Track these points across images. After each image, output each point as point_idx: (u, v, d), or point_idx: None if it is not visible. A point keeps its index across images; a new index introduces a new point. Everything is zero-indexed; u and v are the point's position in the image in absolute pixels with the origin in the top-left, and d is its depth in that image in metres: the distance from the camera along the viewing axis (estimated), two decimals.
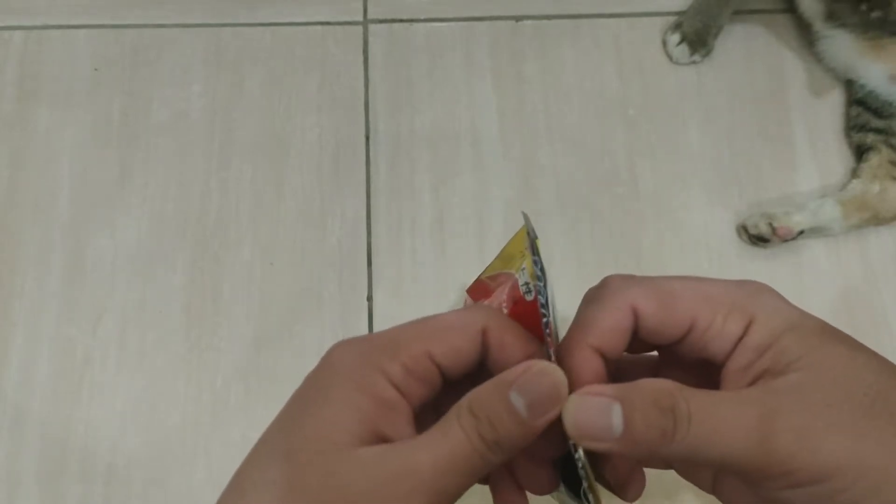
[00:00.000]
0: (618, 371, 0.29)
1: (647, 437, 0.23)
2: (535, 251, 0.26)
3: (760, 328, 0.26)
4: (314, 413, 0.26)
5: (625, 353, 0.29)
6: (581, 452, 0.26)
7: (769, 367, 0.25)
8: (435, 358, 0.25)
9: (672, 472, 0.35)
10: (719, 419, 0.24)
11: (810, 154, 0.75)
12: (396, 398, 0.25)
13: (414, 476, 0.23)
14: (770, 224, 0.69)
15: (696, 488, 0.33)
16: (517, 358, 0.26)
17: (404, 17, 0.79)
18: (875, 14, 0.70)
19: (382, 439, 0.24)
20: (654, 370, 0.31)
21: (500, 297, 0.31)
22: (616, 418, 0.23)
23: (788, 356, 0.25)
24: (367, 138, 0.74)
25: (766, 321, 0.26)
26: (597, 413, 0.24)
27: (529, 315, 0.27)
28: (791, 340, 0.25)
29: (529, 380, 0.24)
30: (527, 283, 0.29)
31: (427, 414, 0.27)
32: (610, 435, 0.23)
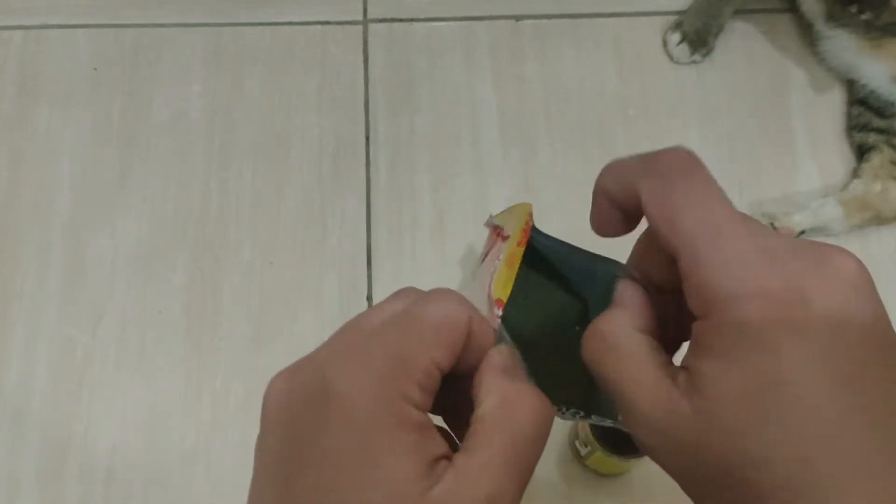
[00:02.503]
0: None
1: None
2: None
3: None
4: (368, 475, 0.22)
5: None
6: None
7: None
8: (440, 365, 0.23)
9: None
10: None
11: (811, 154, 0.75)
12: (425, 419, 0.23)
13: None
14: (771, 224, 0.69)
15: None
16: (488, 344, 0.25)
17: (404, 17, 0.79)
18: (865, 16, 0.70)
19: (434, 461, 0.23)
20: None
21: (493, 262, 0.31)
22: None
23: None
24: (367, 138, 0.74)
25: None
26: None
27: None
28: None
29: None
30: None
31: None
32: None
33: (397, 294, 0.26)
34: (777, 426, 0.20)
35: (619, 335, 0.24)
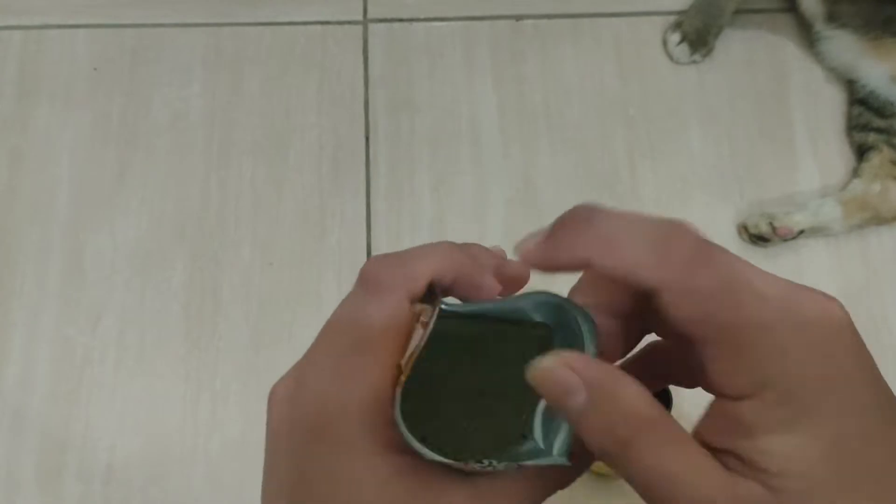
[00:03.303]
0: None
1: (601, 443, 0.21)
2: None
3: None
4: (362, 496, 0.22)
5: None
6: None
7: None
8: None
9: None
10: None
11: (811, 153, 0.75)
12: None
13: None
14: (770, 223, 0.69)
15: None
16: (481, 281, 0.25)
17: (404, 17, 0.79)
18: (889, 10, 0.70)
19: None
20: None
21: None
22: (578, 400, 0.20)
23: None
24: (367, 138, 0.74)
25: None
26: (560, 390, 0.21)
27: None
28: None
29: None
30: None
31: None
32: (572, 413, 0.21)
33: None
34: (858, 478, 0.20)
35: (648, 411, 0.21)
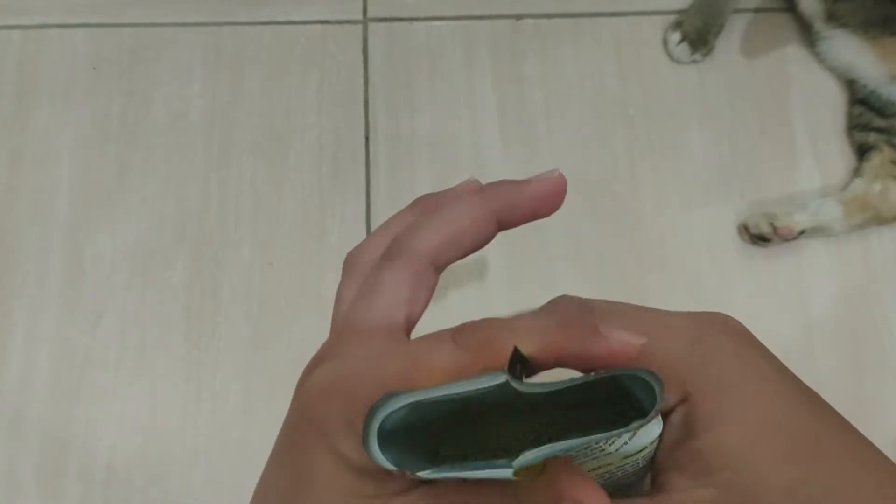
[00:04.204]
0: None
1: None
2: None
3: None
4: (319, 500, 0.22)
5: None
6: None
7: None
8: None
9: None
10: None
11: (811, 153, 0.75)
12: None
13: None
14: (771, 224, 0.69)
15: None
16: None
17: (404, 16, 0.79)
18: (888, 10, 0.70)
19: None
20: None
21: None
22: None
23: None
24: (367, 138, 0.74)
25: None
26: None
27: None
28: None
29: None
30: None
31: None
32: None
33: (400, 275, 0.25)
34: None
35: None
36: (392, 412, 0.20)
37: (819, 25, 0.75)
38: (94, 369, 0.66)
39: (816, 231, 0.70)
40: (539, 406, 0.22)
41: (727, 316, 0.24)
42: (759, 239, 0.70)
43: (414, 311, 0.25)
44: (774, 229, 0.69)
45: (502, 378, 0.20)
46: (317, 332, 0.67)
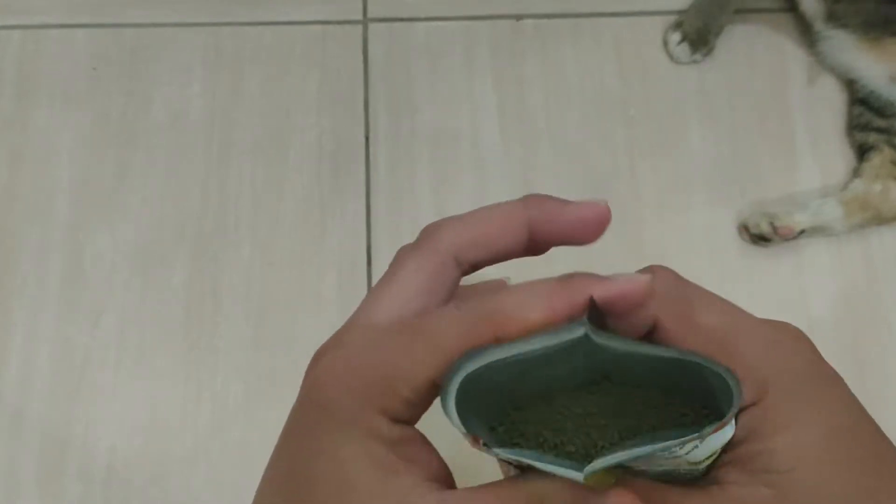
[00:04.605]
0: None
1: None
2: None
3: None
4: (326, 476, 0.21)
5: None
6: None
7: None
8: (435, 377, 0.21)
9: None
10: None
11: (812, 153, 0.75)
12: (404, 432, 0.22)
13: None
14: (771, 223, 0.69)
15: None
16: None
17: (404, 17, 0.79)
18: (888, 10, 0.70)
19: (401, 471, 0.21)
20: None
21: None
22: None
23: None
24: (367, 138, 0.74)
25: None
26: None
27: None
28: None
29: None
30: None
31: None
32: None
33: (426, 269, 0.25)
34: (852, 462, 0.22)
35: None
36: (469, 373, 0.20)
37: (819, 25, 0.75)
38: (94, 369, 0.66)
39: (816, 231, 0.70)
40: (608, 376, 0.22)
41: (795, 326, 0.25)
42: (759, 239, 0.70)
43: (430, 302, 0.25)
44: (774, 229, 0.69)
45: (580, 331, 0.20)
46: (317, 332, 0.67)
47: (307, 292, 0.69)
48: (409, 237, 0.76)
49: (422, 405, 0.22)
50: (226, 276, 0.69)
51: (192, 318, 0.68)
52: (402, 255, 0.26)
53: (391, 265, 0.27)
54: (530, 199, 0.26)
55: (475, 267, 0.26)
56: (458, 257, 0.25)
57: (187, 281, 0.69)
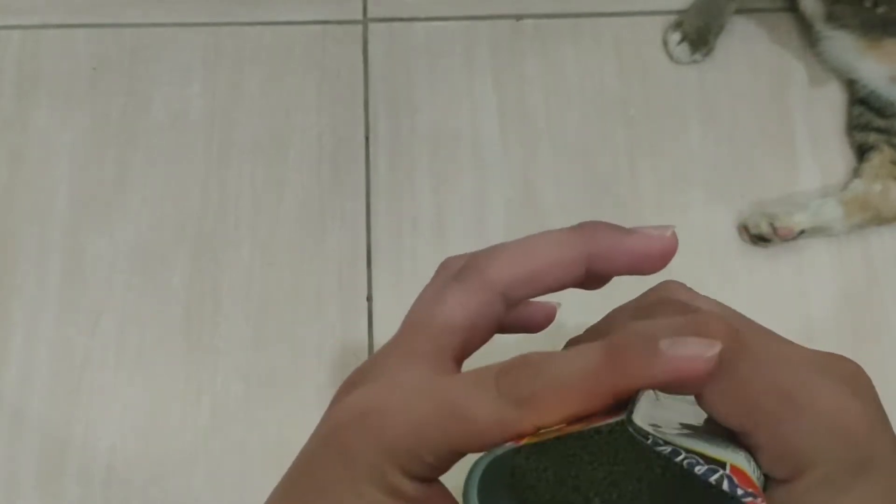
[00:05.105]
0: None
1: None
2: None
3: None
4: None
5: None
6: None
7: None
8: (463, 451, 0.21)
9: None
10: None
11: (812, 153, 0.75)
12: (426, 490, 0.21)
13: None
14: (771, 224, 0.69)
15: None
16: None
17: (404, 16, 0.79)
18: (880, 9, 0.70)
19: None
20: None
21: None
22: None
23: None
24: (367, 138, 0.74)
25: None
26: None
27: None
28: None
29: None
30: None
31: None
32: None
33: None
34: None
35: None
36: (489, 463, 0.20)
37: (819, 26, 0.75)
38: (94, 369, 0.66)
39: (816, 231, 0.70)
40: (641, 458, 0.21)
41: (852, 363, 0.22)
42: (759, 239, 0.70)
43: (472, 339, 0.24)
44: (774, 229, 0.69)
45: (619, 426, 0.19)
46: (317, 332, 0.67)
47: (307, 292, 0.69)
48: (409, 237, 0.76)
49: (446, 468, 0.21)
50: (226, 276, 0.69)
51: (192, 318, 0.68)
52: (449, 286, 0.24)
53: (435, 284, 0.25)
54: (586, 228, 0.24)
55: (525, 299, 0.25)
56: (508, 294, 0.24)
57: (187, 281, 0.69)
